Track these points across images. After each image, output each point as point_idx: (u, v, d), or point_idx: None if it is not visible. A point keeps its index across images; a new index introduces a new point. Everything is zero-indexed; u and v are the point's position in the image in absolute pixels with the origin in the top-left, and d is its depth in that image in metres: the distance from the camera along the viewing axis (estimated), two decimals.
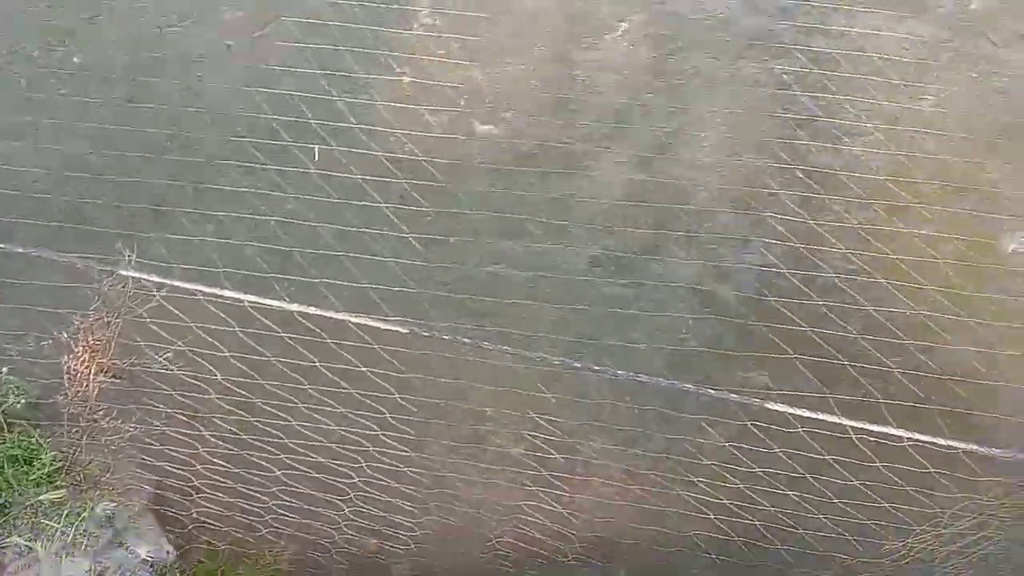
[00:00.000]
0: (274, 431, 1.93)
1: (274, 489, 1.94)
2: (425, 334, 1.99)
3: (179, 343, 1.82)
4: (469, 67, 2.07)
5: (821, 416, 1.94)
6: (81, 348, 1.58)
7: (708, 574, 2.10)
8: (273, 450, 1.94)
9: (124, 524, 1.68)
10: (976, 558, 2.03)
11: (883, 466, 1.96)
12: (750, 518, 2.04)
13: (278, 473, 1.94)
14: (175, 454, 1.90)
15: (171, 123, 2.00)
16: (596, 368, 2.03)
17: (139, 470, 1.86)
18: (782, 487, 2.02)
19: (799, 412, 1.93)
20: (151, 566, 1.70)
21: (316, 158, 2.01)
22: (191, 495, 1.92)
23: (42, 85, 1.98)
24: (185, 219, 1.96)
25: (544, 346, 2.02)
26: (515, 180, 2.08)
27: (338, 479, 1.98)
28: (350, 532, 2.04)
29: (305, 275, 1.96)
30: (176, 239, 1.94)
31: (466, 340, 2.04)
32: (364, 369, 1.95)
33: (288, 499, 1.95)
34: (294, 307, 1.81)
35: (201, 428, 1.92)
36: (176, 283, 1.76)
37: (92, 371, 1.55)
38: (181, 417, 1.86)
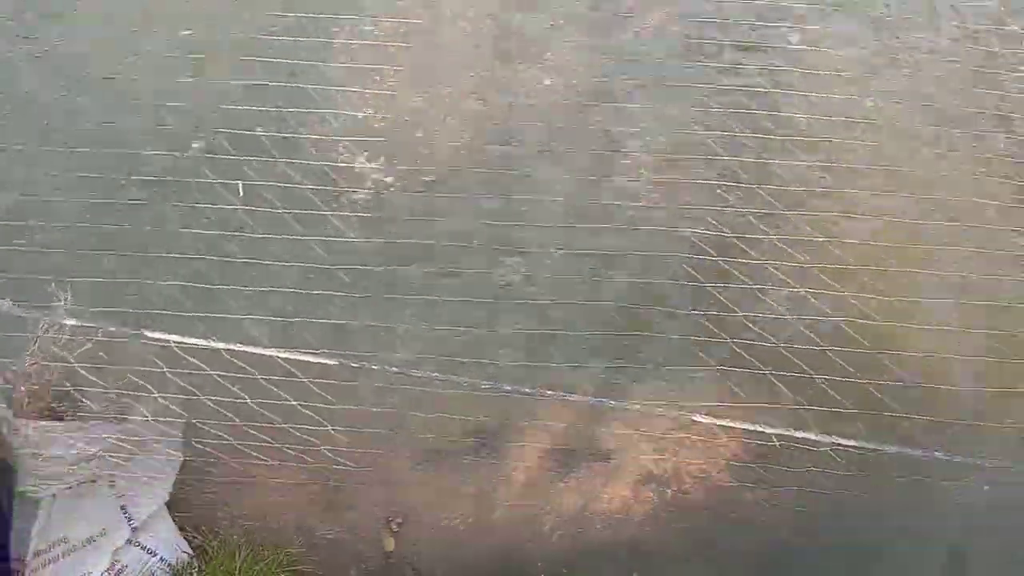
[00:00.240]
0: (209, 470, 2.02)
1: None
2: (354, 364, 1.89)
3: (113, 388, 1.87)
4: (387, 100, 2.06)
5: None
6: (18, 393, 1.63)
7: None
8: None
9: (140, 524, 1.78)
10: None
11: None
12: None
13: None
14: None
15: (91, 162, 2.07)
16: (528, 391, 2.02)
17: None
18: None
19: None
20: (168, 565, 1.83)
21: (241, 193, 1.98)
22: None
23: None
24: (109, 260, 2.03)
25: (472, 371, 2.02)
26: (442, 210, 2.10)
27: None
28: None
29: (230, 311, 1.98)
30: (106, 282, 2.00)
31: (394, 369, 2.00)
32: (294, 403, 1.94)
33: None
34: (220, 345, 1.83)
35: None
36: (110, 327, 1.82)
37: (30, 415, 1.61)
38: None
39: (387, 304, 2.10)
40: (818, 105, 2.26)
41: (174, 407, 1.80)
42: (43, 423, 1.55)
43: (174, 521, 1.90)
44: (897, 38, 2.33)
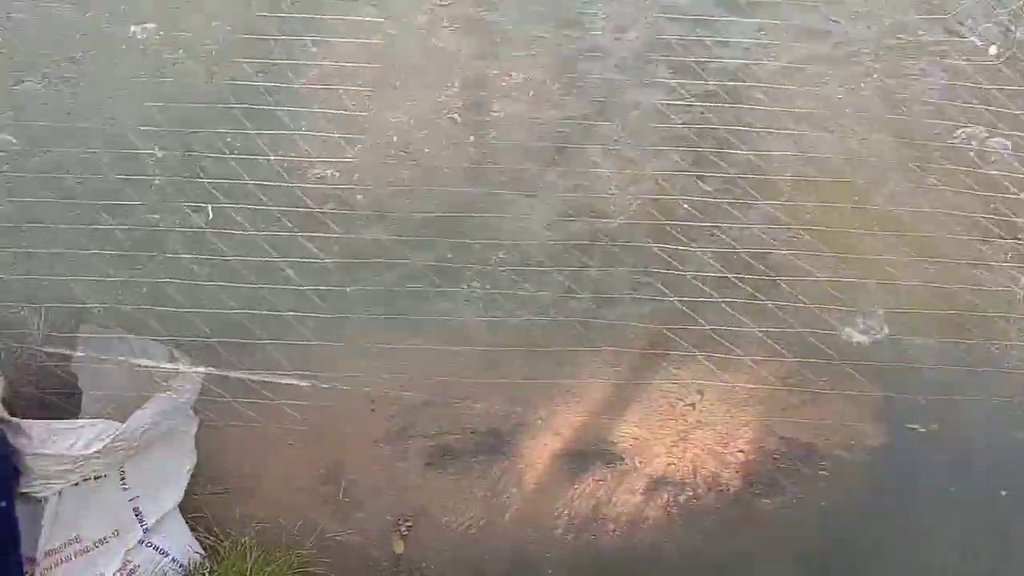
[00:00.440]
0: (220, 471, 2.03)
1: None
2: (324, 386, 1.90)
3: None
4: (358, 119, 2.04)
5: None
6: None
7: None
8: None
9: (152, 525, 1.77)
10: None
11: None
12: None
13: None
14: None
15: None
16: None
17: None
18: None
19: None
20: (180, 566, 1.83)
21: (210, 216, 1.98)
22: None
23: None
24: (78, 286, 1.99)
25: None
26: (416, 231, 2.10)
27: None
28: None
29: (202, 335, 1.98)
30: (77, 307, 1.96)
31: (366, 388, 2.06)
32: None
33: None
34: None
35: None
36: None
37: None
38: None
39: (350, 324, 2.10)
40: None
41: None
42: (44, 422, 1.54)
43: (186, 522, 1.90)
44: None
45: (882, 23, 2.31)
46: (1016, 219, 2.31)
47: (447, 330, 2.17)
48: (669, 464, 2.14)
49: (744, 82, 2.22)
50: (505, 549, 2.00)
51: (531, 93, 2.19)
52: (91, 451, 1.53)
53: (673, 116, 2.20)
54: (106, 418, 1.60)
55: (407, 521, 2.07)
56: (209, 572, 1.87)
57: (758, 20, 2.23)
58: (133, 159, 2.06)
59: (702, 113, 2.22)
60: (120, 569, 1.73)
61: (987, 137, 2.27)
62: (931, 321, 2.25)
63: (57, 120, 2.06)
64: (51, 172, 2.05)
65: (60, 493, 1.61)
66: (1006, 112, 2.28)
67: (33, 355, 1.91)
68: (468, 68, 2.21)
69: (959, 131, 2.27)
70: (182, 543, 1.85)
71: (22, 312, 1.93)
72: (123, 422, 1.59)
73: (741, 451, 2.16)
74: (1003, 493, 2.17)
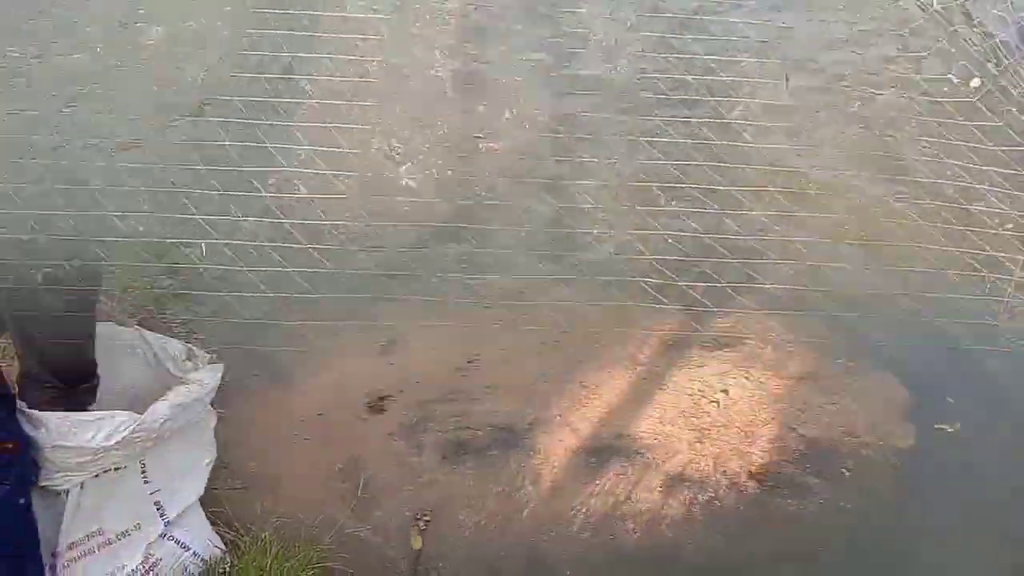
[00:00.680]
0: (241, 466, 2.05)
1: None
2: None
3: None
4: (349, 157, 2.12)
5: None
6: None
7: None
8: None
9: (173, 518, 1.76)
10: None
11: None
12: None
13: None
14: None
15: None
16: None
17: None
18: None
19: None
20: (201, 560, 1.82)
21: (203, 253, 2.00)
22: None
23: None
24: None
25: None
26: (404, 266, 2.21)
27: None
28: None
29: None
30: None
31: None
32: None
33: None
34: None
35: None
36: None
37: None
38: None
39: None
40: None
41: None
42: (63, 414, 1.55)
43: (207, 516, 1.90)
44: None
45: (865, 56, 2.32)
46: (997, 254, 2.30)
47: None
48: (691, 462, 2.13)
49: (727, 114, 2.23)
50: (522, 546, 1.99)
51: (525, 126, 2.20)
52: (111, 443, 1.53)
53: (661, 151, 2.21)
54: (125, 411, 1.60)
55: (425, 516, 2.07)
56: (229, 567, 1.86)
57: (746, 57, 2.24)
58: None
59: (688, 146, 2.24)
60: (142, 562, 1.73)
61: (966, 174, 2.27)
62: None
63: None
64: None
65: (82, 485, 1.61)
66: (983, 148, 2.27)
67: None
68: (459, 104, 2.23)
69: (938, 166, 2.27)
70: (203, 537, 1.85)
71: None
72: (141, 414, 1.59)
73: (764, 450, 2.14)
74: None
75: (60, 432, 1.50)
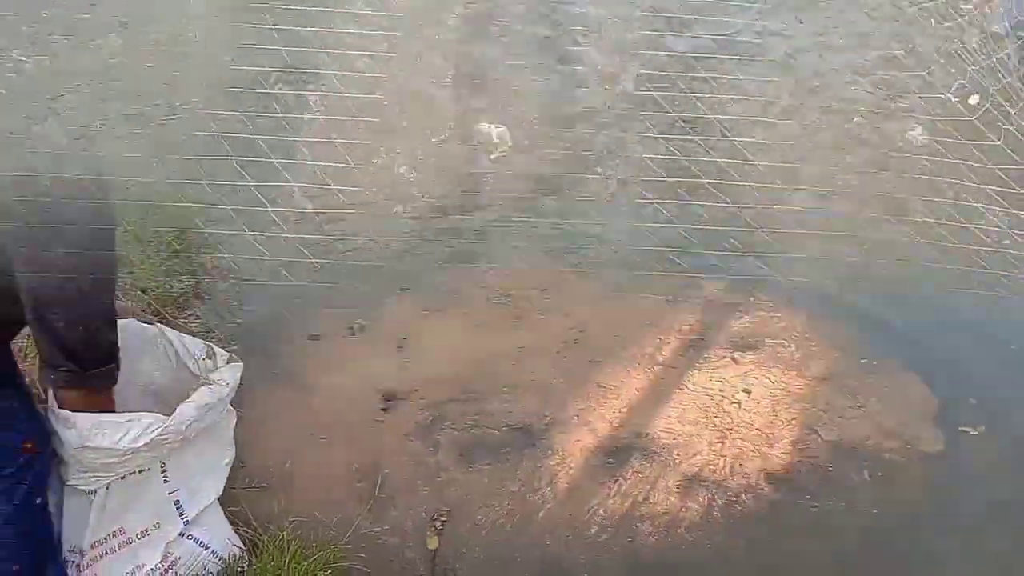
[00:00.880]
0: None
1: None
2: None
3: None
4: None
5: None
6: None
7: None
8: None
9: (192, 517, 1.74)
10: None
11: None
12: None
13: None
14: None
15: None
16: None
17: None
18: None
19: None
20: (220, 559, 1.81)
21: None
22: None
23: None
24: None
25: None
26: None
27: None
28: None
29: None
30: None
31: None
32: None
33: None
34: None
35: None
36: None
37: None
38: None
39: None
40: None
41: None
42: (92, 415, 1.55)
43: (225, 515, 1.91)
44: None
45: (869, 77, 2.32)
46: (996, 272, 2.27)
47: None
48: (710, 464, 2.10)
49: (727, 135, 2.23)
50: (538, 548, 1.99)
51: (525, 142, 2.20)
52: (138, 445, 1.53)
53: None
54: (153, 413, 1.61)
55: (441, 516, 2.07)
56: (248, 566, 1.87)
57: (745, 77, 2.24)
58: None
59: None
60: (161, 561, 1.74)
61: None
62: None
63: None
64: None
65: (107, 487, 1.62)
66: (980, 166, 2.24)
67: None
68: (463, 119, 2.23)
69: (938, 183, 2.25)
70: (222, 536, 1.85)
71: None
72: (166, 415, 1.60)
73: (786, 452, 2.11)
74: None
75: (89, 433, 1.50)
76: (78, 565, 1.64)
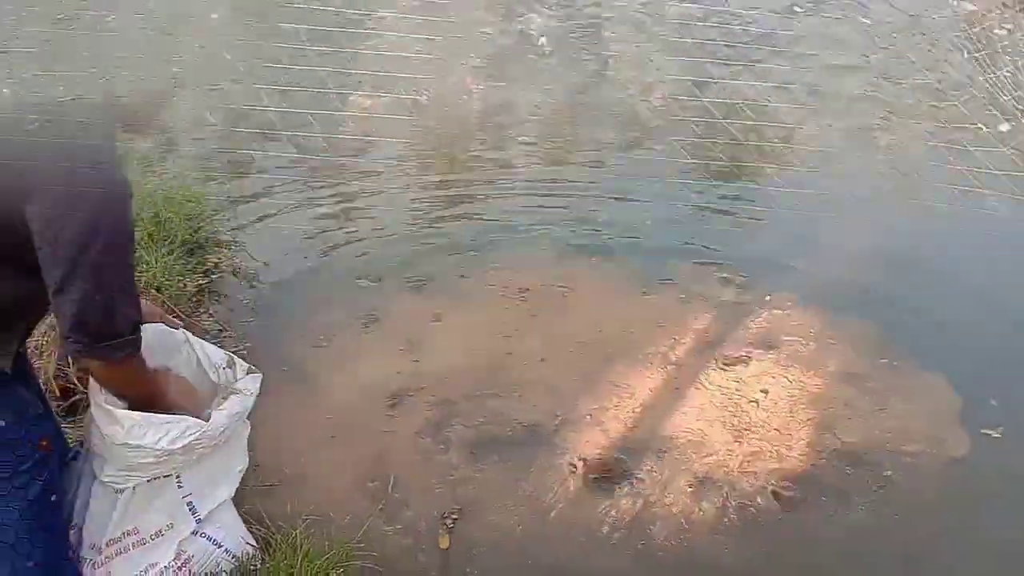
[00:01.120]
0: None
1: None
2: None
3: None
4: None
5: None
6: None
7: None
8: None
9: (205, 516, 1.72)
10: None
11: None
12: None
13: None
14: None
15: None
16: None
17: None
18: None
19: None
20: (233, 556, 1.79)
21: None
22: None
23: None
24: None
25: None
26: None
27: None
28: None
29: None
30: None
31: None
32: None
33: None
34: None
35: None
36: None
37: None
38: None
39: None
40: None
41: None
42: (136, 413, 1.56)
43: (239, 514, 1.92)
44: None
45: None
46: None
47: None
48: (726, 465, 2.07)
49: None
50: (550, 550, 1.96)
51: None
52: (176, 447, 1.55)
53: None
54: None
55: (452, 515, 2.06)
56: (261, 563, 1.87)
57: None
58: None
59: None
60: (175, 559, 1.74)
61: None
62: None
63: None
64: None
65: (134, 488, 1.64)
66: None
67: None
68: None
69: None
70: (235, 534, 1.85)
71: None
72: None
73: (804, 454, 2.08)
74: None
75: (131, 431, 1.52)
76: (93, 563, 1.65)
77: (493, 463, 2.12)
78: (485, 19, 2.24)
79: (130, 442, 1.51)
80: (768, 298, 2.59)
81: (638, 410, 2.25)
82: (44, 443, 1.47)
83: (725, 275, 2.57)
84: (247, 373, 1.80)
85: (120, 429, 1.51)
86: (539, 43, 2.21)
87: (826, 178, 2.31)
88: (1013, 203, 2.34)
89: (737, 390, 2.30)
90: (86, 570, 1.63)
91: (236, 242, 2.81)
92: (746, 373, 2.36)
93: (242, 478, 1.90)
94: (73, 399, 2.15)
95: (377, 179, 3.69)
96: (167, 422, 1.55)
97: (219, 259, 2.51)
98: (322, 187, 3.55)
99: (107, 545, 1.67)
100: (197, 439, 1.58)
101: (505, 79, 2.28)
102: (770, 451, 2.14)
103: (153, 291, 2.23)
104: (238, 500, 1.91)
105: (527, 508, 2.05)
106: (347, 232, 3.09)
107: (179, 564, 1.76)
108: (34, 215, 1.23)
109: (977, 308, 2.53)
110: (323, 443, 2.18)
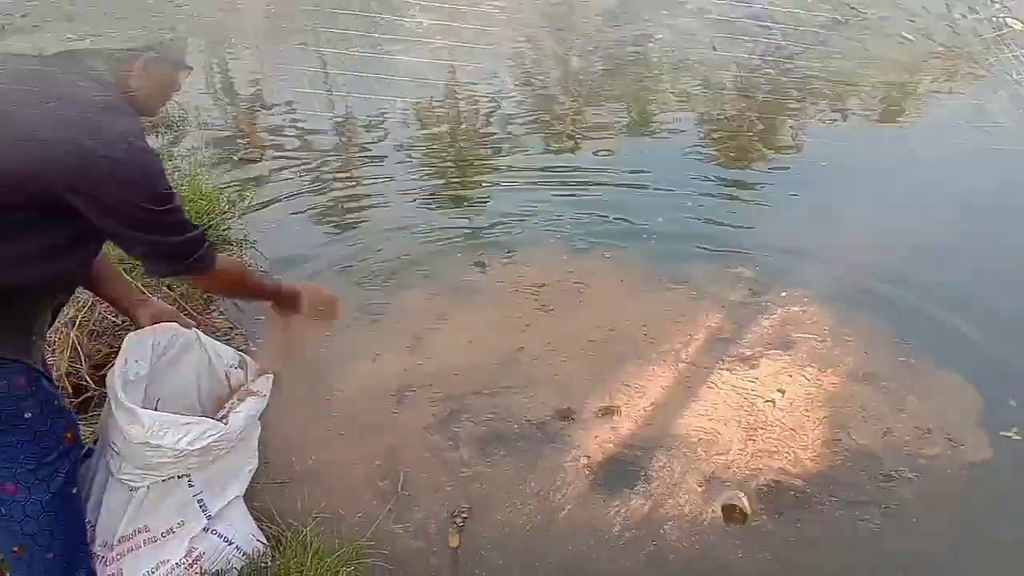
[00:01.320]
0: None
1: None
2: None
3: None
4: None
5: None
6: None
7: None
8: None
9: (216, 513, 1.72)
10: None
11: None
12: None
13: None
14: None
15: None
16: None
17: None
18: None
19: None
20: (243, 554, 1.79)
21: None
22: None
23: None
24: None
25: None
26: None
27: None
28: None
29: None
30: None
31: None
32: None
33: None
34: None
35: None
36: None
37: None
38: None
39: None
40: None
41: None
42: (158, 413, 1.56)
43: (249, 511, 1.92)
44: None
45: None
46: None
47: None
48: (739, 464, 2.05)
49: None
50: (559, 549, 1.95)
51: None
52: (195, 448, 1.56)
53: None
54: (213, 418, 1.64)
55: (462, 513, 2.05)
56: (271, 561, 1.87)
57: None
58: None
59: None
60: (185, 555, 1.75)
61: None
62: None
63: None
64: None
65: (149, 487, 1.65)
66: None
67: None
68: None
69: None
70: (245, 532, 1.86)
71: None
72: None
73: (818, 454, 2.05)
74: None
75: (152, 430, 1.53)
76: (105, 560, 1.66)
77: (503, 460, 2.11)
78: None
79: (151, 441, 1.53)
80: (784, 294, 2.55)
81: (650, 408, 2.23)
82: (69, 435, 1.48)
83: (740, 269, 2.53)
84: (259, 374, 1.81)
85: (141, 428, 1.52)
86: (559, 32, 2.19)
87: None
88: None
89: (752, 389, 2.27)
90: (97, 566, 1.64)
91: (247, 240, 2.82)
92: (761, 372, 2.33)
93: (253, 476, 1.91)
94: (85, 396, 2.16)
95: (388, 174, 3.70)
96: (187, 423, 1.56)
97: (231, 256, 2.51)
98: (332, 185, 3.56)
99: (119, 542, 1.68)
100: (215, 441, 1.59)
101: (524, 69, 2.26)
102: (785, 451, 2.11)
103: (164, 289, 2.23)
104: (248, 497, 1.91)
105: (537, 506, 2.03)
106: (357, 229, 3.10)
107: (190, 561, 1.77)
108: (81, 204, 1.27)
109: (997, 304, 2.47)
110: (333, 440, 2.18)
